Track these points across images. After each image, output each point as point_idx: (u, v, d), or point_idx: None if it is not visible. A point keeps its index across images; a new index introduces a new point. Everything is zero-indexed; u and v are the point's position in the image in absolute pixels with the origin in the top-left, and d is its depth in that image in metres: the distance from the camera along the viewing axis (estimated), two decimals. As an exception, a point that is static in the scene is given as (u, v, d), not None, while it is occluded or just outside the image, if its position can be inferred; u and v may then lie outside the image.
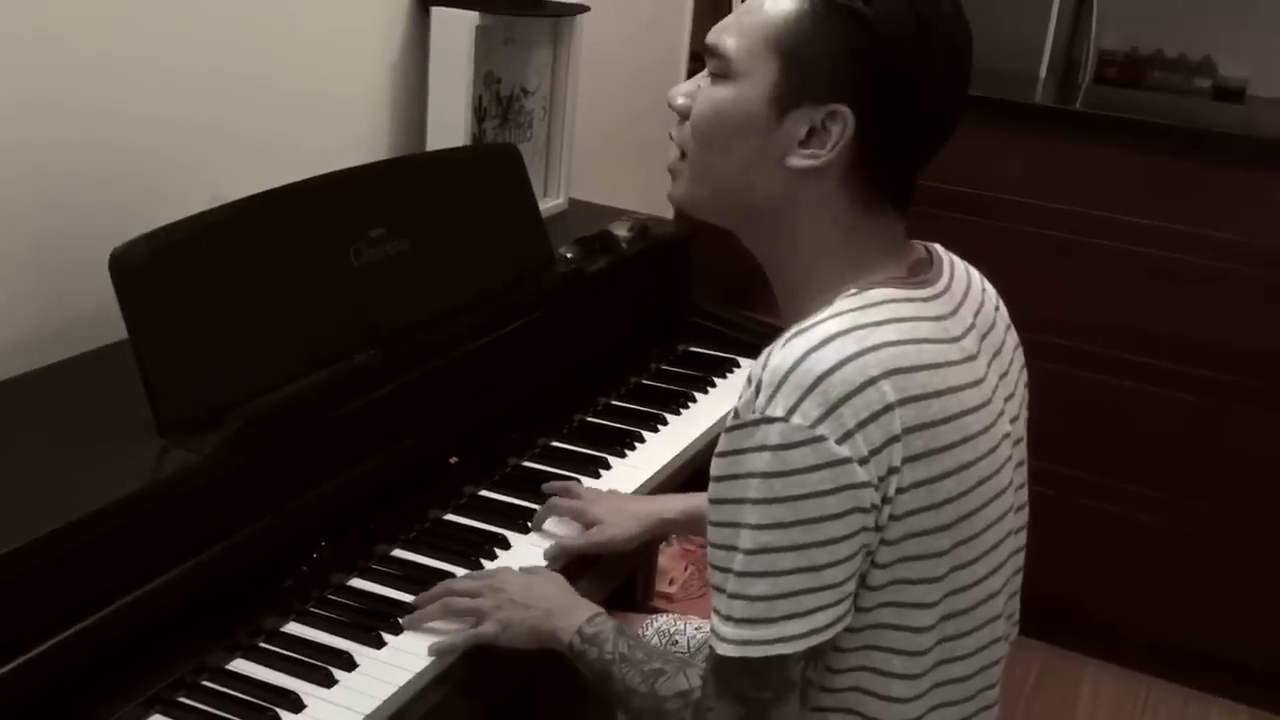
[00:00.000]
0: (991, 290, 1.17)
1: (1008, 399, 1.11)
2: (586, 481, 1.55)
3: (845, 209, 1.04)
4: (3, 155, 1.34)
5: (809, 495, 0.94)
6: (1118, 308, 2.48)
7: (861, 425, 0.94)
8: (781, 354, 0.97)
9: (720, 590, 0.99)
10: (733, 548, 0.97)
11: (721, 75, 1.05)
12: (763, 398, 0.95)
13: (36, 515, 1.07)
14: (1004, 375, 1.11)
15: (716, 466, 0.99)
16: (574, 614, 1.19)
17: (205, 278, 1.28)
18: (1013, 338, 1.16)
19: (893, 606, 1.01)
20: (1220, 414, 2.43)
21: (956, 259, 1.16)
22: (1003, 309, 1.17)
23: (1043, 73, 2.92)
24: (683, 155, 1.09)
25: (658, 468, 1.61)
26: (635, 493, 1.55)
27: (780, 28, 1.01)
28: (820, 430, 0.93)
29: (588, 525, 1.42)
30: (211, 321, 1.27)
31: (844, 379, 0.94)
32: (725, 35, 1.04)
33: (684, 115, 1.08)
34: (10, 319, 1.38)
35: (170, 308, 1.23)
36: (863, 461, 0.94)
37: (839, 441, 0.94)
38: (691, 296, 2.03)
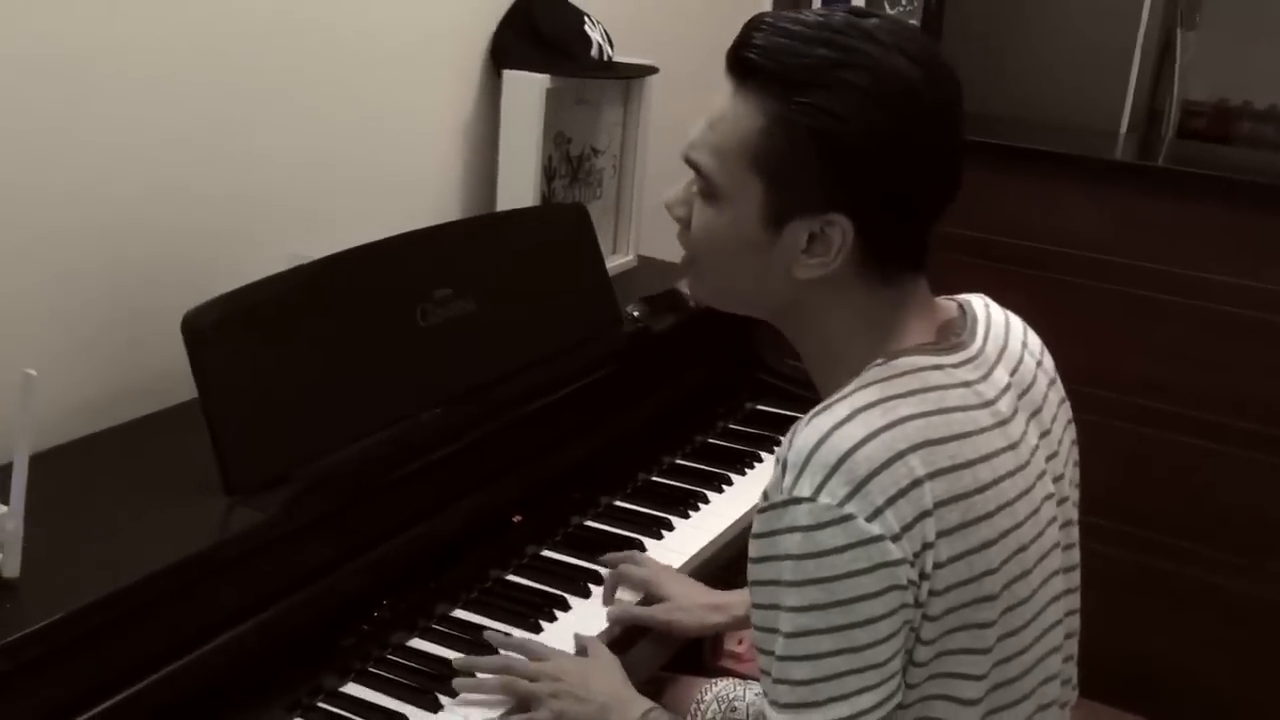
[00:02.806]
0: (1035, 342, 1.14)
1: (1050, 458, 1.08)
2: (648, 542, 1.55)
3: (863, 292, 1.03)
4: (90, 235, 1.39)
5: (843, 576, 0.92)
6: (1200, 368, 2.41)
7: (891, 501, 0.93)
8: (806, 432, 0.96)
9: (766, 673, 0.98)
10: (774, 630, 0.96)
11: (709, 195, 1.03)
12: (789, 478, 0.95)
13: (102, 573, 1.10)
14: (1045, 434, 1.09)
15: (753, 548, 0.98)
16: (628, 710, 1.20)
17: (274, 339, 1.31)
18: (1056, 393, 1.13)
19: (941, 678, 0.99)
20: (1309, 477, 2.36)
21: (995, 309, 1.13)
22: (1046, 362, 1.14)
23: (1124, 128, 2.87)
24: (692, 258, 1.08)
25: (721, 529, 1.60)
26: (698, 553, 1.55)
27: (755, 148, 0.98)
28: (849, 509, 0.92)
29: (654, 599, 1.42)
30: (280, 382, 1.30)
31: (869, 455, 0.93)
32: (701, 154, 1.02)
33: (684, 224, 1.07)
34: (88, 381, 1.42)
35: (240, 369, 1.26)
36: (895, 538, 0.93)
37: (869, 519, 0.92)
38: (760, 354, 2.02)
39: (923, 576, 0.95)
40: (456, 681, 1.24)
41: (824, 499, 0.92)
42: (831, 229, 0.99)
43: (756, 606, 0.98)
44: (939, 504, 0.95)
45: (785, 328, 1.09)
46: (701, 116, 1.04)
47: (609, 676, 1.26)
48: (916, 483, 0.94)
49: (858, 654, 0.94)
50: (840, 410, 0.96)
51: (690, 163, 1.04)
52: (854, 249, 0.99)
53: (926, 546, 0.94)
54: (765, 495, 0.98)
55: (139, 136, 1.43)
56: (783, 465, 0.96)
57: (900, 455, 0.94)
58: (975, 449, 0.98)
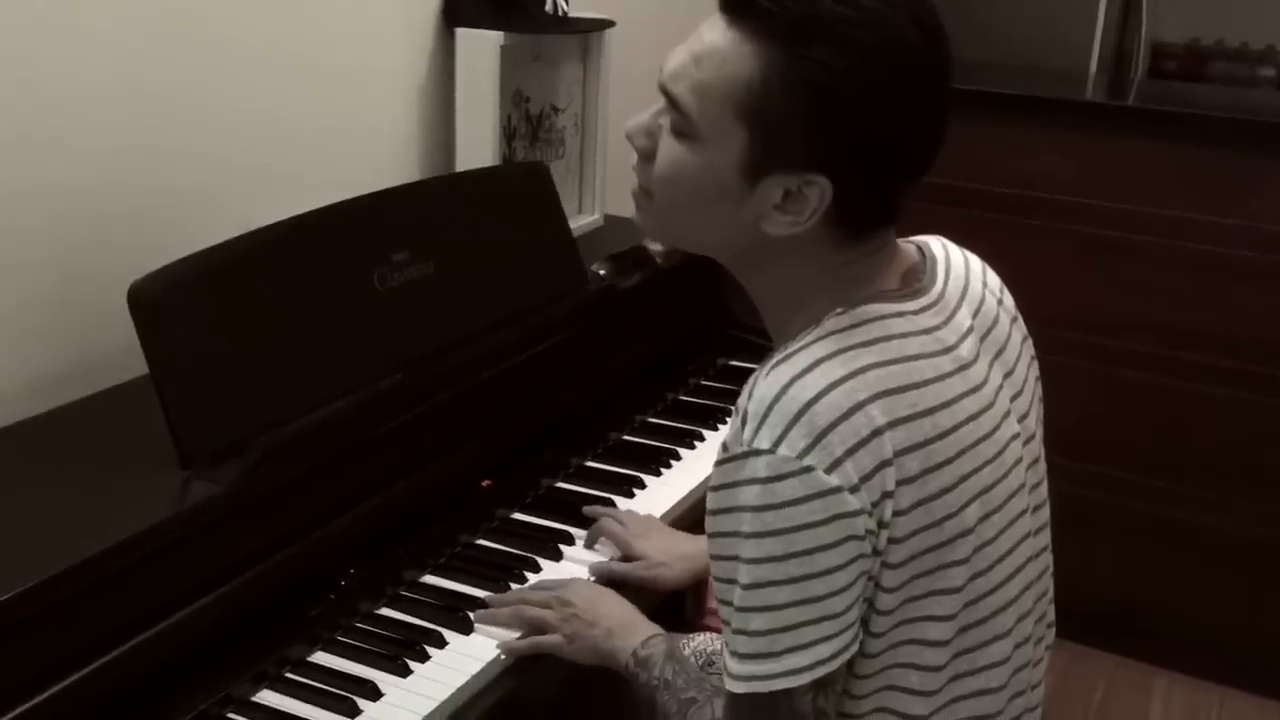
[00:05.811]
0: (995, 280, 1.13)
1: (1015, 397, 1.07)
2: (620, 501, 1.53)
3: (830, 247, 0.99)
4: (30, 196, 1.35)
5: (801, 527, 0.91)
6: (1175, 307, 2.40)
7: (850, 452, 0.92)
8: (766, 383, 0.94)
9: (726, 624, 0.97)
10: (732, 581, 0.95)
11: (681, 132, 0.97)
12: (749, 429, 0.93)
13: (59, 549, 1.07)
14: (1009, 373, 1.08)
15: (711, 500, 0.97)
16: (632, 635, 1.21)
17: (225, 308, 1.28)
18: (1019, 331, 1.12)
19: (908, 623, 0.98)
20: (1286, 413, 2.35)
21: (954, 250, 1.11)
22: (1007, 300, 1.13)
23: (1093, 68, 2.85)
24: (648, 191, 1.03)
25: (693, 486, 1.59)
26: (669, 511, 1.53)
27: (745, 94, 0.93)
28: (808, 460, 0.91)
29: (632, 557, 1.41)
30: (233, 351, 1.27)
31: (830, 406, 0.92)
32: (682, 88, 0.96)
33: (645, 156, 1.01)
34: (38, 356, 1.39)
35: (190, 339, 1.23)
36: (853, 489, 0.92)
37: (828, 471, 0.91)
38: (731, 309, 2.00)
39: (881, 525, 0.94)
40: (475, 614, 1.29)
41: (783, 450, 0.91)
42: (810, 189, 0.95)
43: (715, 558, 0.97)
44: (899, 452, 0.94)
45: (739, 272, 1.06)
46: (683, 46, 0.98)
47: (617, 604, 1.28)
48: (877, 432, 0.93)
49: (815, 605, 0.93)
50: (801, 360, 0.95)
51: (668, 95, 0.98)
52: (828, 210, 0.96)
53: (886, 495, 0.93)
54: (724, 447, 0.97)
55: (88, 89, 1.39)
56: (742, 416, 0.95)
57: (860, 405, 0.93)
58: (936, 396, 0.97)
